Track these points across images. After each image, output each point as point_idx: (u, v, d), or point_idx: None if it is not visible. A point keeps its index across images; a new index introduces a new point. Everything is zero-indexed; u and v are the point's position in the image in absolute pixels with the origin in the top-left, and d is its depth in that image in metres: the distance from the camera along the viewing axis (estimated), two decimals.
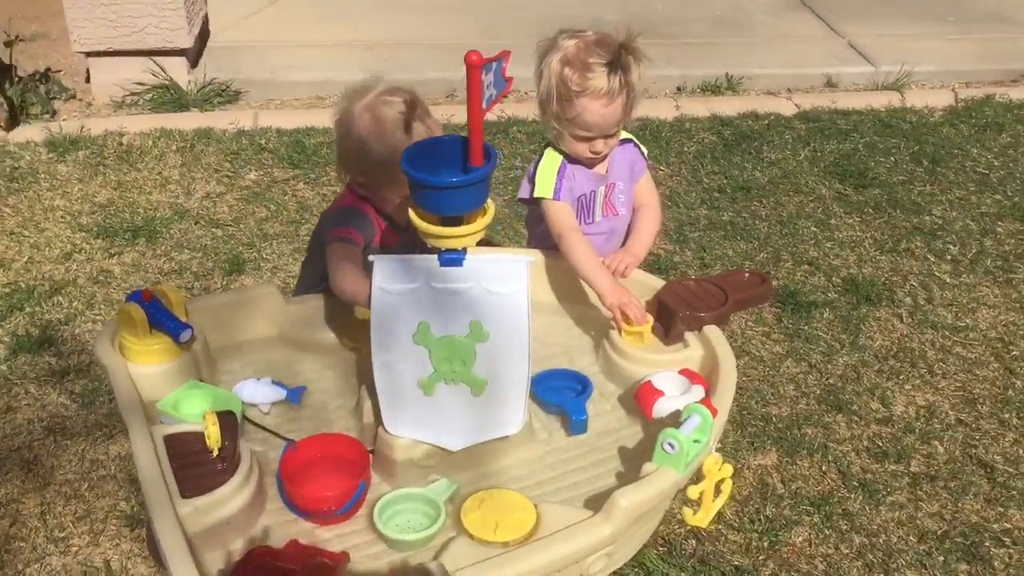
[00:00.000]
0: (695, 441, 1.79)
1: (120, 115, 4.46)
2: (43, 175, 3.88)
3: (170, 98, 4.55)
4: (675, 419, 1.87)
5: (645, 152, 2.45)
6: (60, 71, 4.76)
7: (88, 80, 4.64)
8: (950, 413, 2.80)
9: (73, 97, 4.62)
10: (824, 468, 2.59)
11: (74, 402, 2.71)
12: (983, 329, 3.16)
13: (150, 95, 4.57)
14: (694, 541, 2.37)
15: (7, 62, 4.49)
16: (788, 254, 3.53)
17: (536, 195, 2.25)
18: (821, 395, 2.84)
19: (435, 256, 1.77)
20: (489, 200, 1.76)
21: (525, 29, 5.12)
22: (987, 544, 2.38)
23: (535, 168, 2.28)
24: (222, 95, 4.60)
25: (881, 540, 2.39)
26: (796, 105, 4.72)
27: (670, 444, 1.75)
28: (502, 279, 1.77)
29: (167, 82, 4.56)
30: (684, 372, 2.02)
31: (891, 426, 2.74)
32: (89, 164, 3.98)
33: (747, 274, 2.27)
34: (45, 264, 3.34)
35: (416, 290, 1.77)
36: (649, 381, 2.01)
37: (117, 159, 4.02)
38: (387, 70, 4.78)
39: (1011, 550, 2.37)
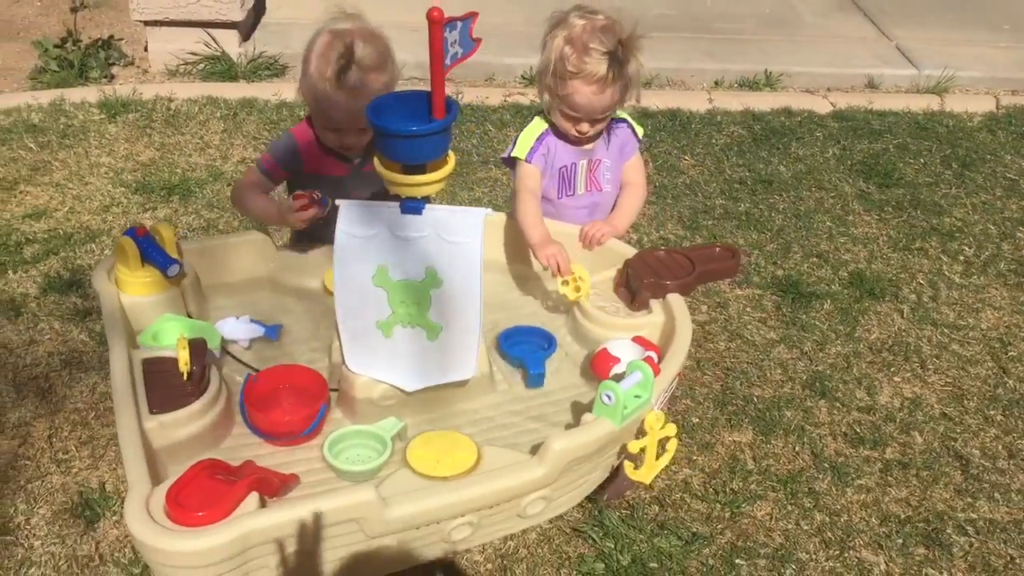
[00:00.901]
0: (636, 396, 1.87)
1: (172, 82, 4.67)
2: (93, 134, 4.10)
3: (220, 69, 4.74)
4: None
5: (640, 133, 2.53)
6: (122, 39, 4.99)
7: (146, 49, 4.87)
8: (935, 406, 2.81)
9: (131, 64, 4.85)
10: (798, 449, 2.63)
11: (92, 339, 2.88)
12: (984, 329, 3.15)
13: (202, 65, 4.77)
14: (657, 507, 2.43)
15: (71, 28, 4.74)
16: (799, 246, 3.56)
17: (512, 154, 2.36)
18: (807, 381, 2.88)
19: (397, 204, 1.88)
20: (450, 152, 1.86)
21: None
22: (949, 531, 2.40)
23: (520, 132, 2.39)
24: (270, 68, 4.78)
25: (843, 520, 2.43)
26: (832, 104, 4.71)
27: (608, 396, 1.84)
28: (458, 230, 1.87)
29: (218, 53, 4.76)
30: (637, 339, 2.10)
31: (872, 414, 2.77)
32: (137, 126, 4.19)
33: (718, 248, 2.33)
34: (84, 215, 3.54)
35: (377, 235, 1.88)
36: (605, 349, 2.09)
37: (163, 123, 4.22)
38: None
39: (973, 539, 2.39)
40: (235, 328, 2.13)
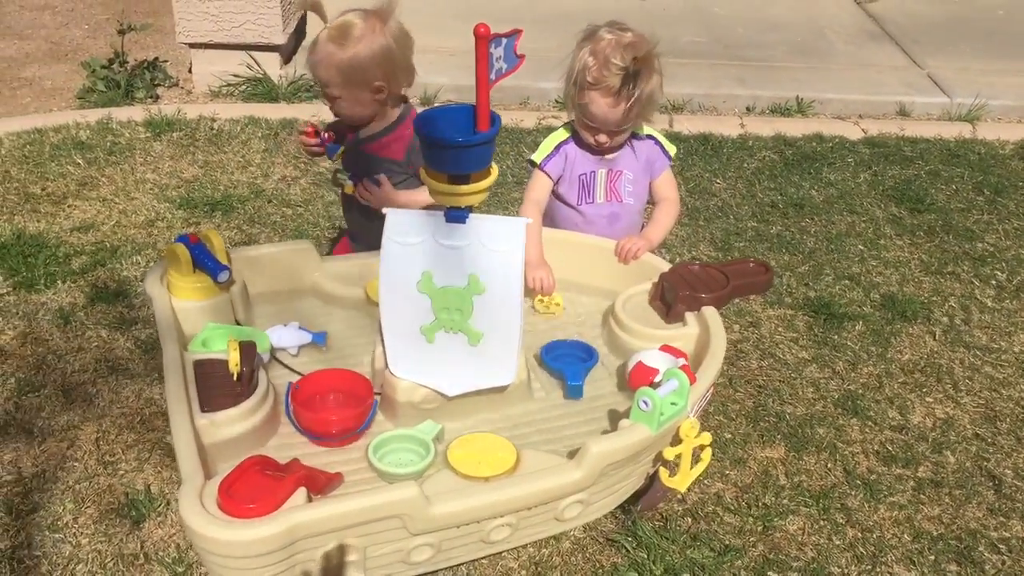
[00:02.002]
0: (672, 403, 1.91)
1: (215, 103, 4.80)
2: (139, 151, 4.22)
3: (262, 90, 4.86)
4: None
5: (671, 152, 2.59)
6: (167, 61, 5.12)
7: (191, 70, 5.00)
8: (968, 427, 2.83)
9: (176, 85, 4.99)
10: (830, 466, 2.66)
11: (138, 348, 2.97)
12: (1017, 352, 3.16)
13: (244, 86, 4.89)
14: (690, 519, 2.46)
15: (118, 49, 4.88)
16: (830, 268, 3.59)
17: (531, 157, 2.48)
18: (839, 399, 2.90)
19: (442, 213, 1.95)
20: (493, 164, 1.93)
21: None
22: (981, 549, 2.41)
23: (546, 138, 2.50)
24: (310, 90, 4.89)
25: (875, 536, 2.44)
26: (863, 131, 4.75)
27: (645, 402, 1.88)
28: (500, 237, 1.93)
29: (260, 75, 4.88)
30: (665, 348, 2.14)
31: (905, 434, 2.79)
32: (181, 144, 4.30)
33: (751, 263, 2.38)
34: (130, 228, 3.64)
35: (423, 243, 1.94)
36: (640, 362, 2.11)
37: (207, 141, 4.33)
38: (465, 76, 4.99)
39: (1005, 557, 2.39)
40: (284, 335, 2.19)
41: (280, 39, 4.83)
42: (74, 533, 2.34)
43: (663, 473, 2.01)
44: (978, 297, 3.46)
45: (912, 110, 5.01)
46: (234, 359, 1.94)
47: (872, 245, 3.78)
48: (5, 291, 3.21)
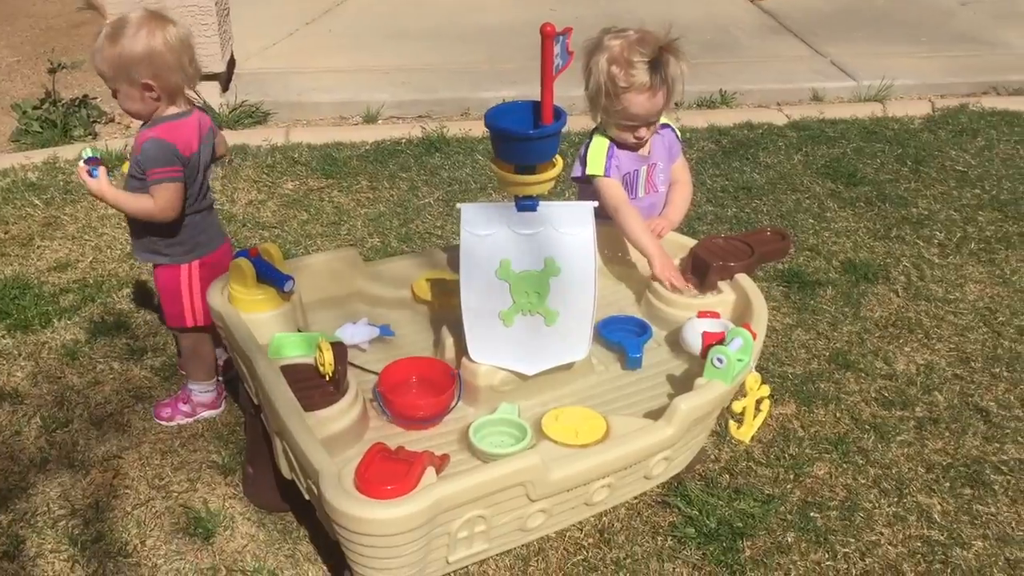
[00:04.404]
0: (739, 359, 2.09)
1: None
2: None
3: None
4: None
5: (680, 136, 2.78)
6: (97, 97, 5.04)
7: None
8: (947, 369, 3.11)
9: (112, 120, 4.92)
10: (838, 415, 2.89)
11: (156, 375, 2.96)
12: (971, 300, 3.48)
13: None
14: (728, 476, 2.64)
15: (49, 88, 4.79)
16: (790, 242, 3.85)
17: (588, 173, 2.55)
18: (830, 357, 3.15)
19: (512, 204, 2.07)
20: (558, 156, 2.07)
21: (528, 53, 5.51)
22: (988, 472, 2.68)
23: (585, 150, 2.58)
24: (252, 116, 4.91)
25: (893, 471, 2.68)
26: (787, 116, 5.08)
27: (719, 359, 2.05)
28: (571, 221, 2.07)
29: (200, 104, 4.85)
30: (701, 314, 2.31)
31: (895, 380, 3.05)
32: None
33: (768, 231, 2.59)
34: (109, 263, 3.60)
35: (498, 232, 2.07)
36: (705, 331, 2.25)
37: None
38: (405, 91, 5.14)
39: (1009, 477, 2.66)
40: (355, 332, 2.27)
41: (220, 67, 4.83)
42: (147, 556, 2.35)
43: (732, 426, 2.18)
44: (925, 256, 3.78)
45: (824, 95, 5.38)
46: (327, 360, 2.01)
47: (820, 218, 4.08)
48: (1, 334, 3.14)
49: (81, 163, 2.49)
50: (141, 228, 2.60)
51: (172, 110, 2.53)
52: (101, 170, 2.48)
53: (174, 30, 2.47)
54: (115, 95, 2.52)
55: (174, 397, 2.80)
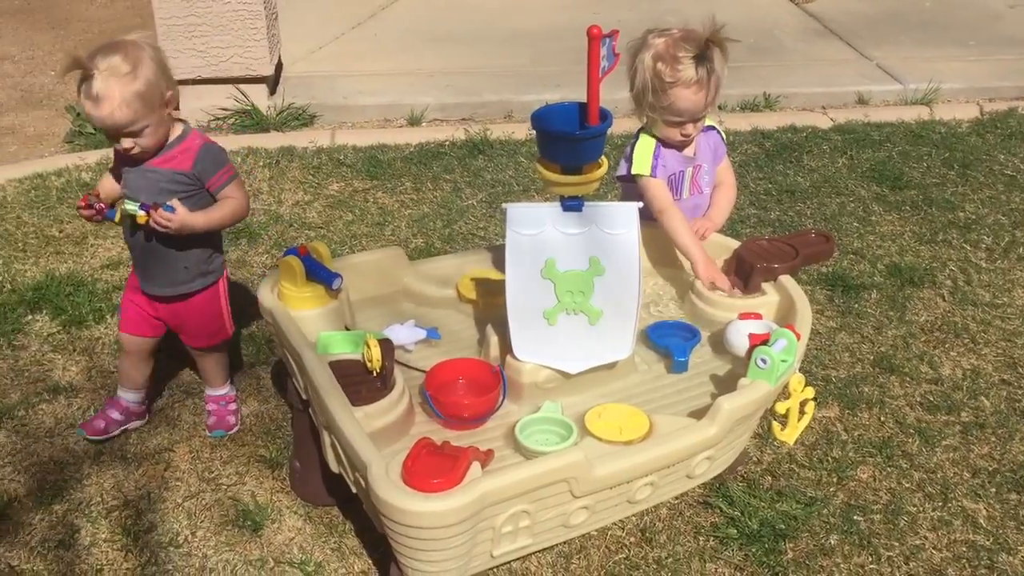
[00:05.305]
0: (782, 360, 2.09)
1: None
2: None
3: (251, 122, 4.93)
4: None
5: (725, 139, 2.79)
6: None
7: (177, 107, 5.03)
8: (993, 374, 3.08)
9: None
10: (882, 419, 2.87)
11: None
12: (1019, 305, 3.45)
13: (233, 119, 4.96)
14: (770, 477, 2.65)
15: None
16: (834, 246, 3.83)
17: (634, 172, 2.57)
18: (874, 360, 3.13)
19: (558, 204, 2.10)
20: (603, 157, 2.09)
21: (571, 56, 5.54)
22: None
23: (631, 150, 2.60)
24: (299, 118, 4.98)
25: (938, 476, 2.66)
26: (831, 119, 5.06)
27: (763, 360, 2.06)
28: (616, 222, 2.09)
29: (249, 107, 4.95)
30: (744, 315, 2.31)
31: (940, 385, 3.02)
32: None
33: (813, 233, 2.58)
34: None
35: (543, 232, 2.09)
36: (751, 333, 2.26)
37: None
38: (449, 94, 5.19)
39: None
40: (402, 333, 2.31)
41: (268, 70, 4.91)
42: (198, 546, 2.41)
43: (776, 427, 2.19)
44: (972, 260, 3.74)
45: (870, 98, 5.34)
46: (375, 356, 2.05)
47: (865, 222, 4.05)
48: (55, 329, 3.23)
49: (138, 210, 2.40)
50: (187, 255, 2.56)
51: (179, 124, 2.54)
52: (176, 203, 2.42)
53: (133, 39, 2.41)
54: (136, 139, 2.38)
55: (209, 414, 2.81)
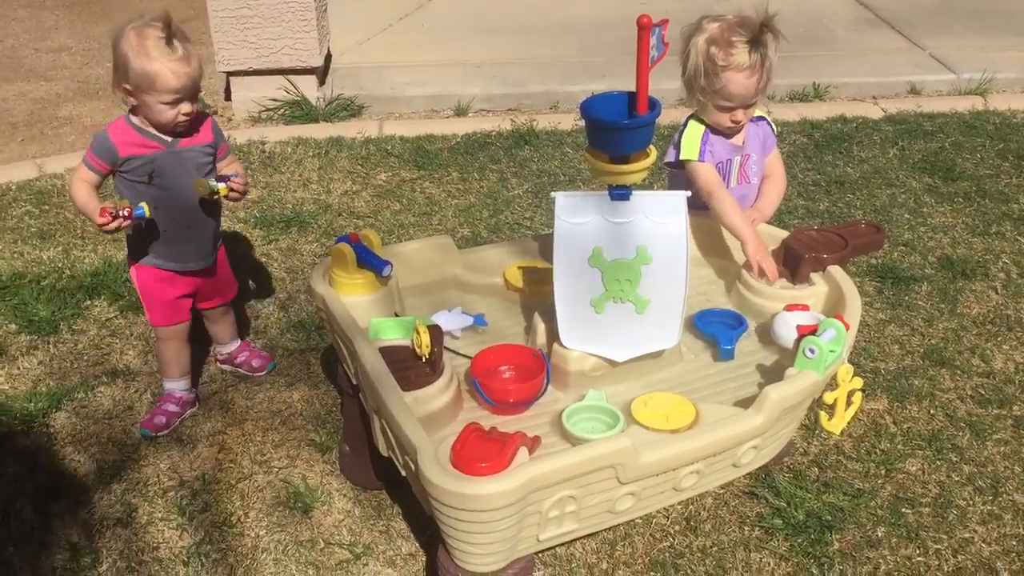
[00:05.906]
0: (831, 351, 2.09)
1: (258, 128, 4.92)
2: None
3: (301, 112, 5.00)
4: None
5: (775, 130, 2.77)
6: (201, 90, 5.23)
7: (228, 98, 5.13)
8: None
9: (215, 113, 5.10)
10: (932, 412, 2.85)
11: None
12: None
13: (283, 110, 5.02)
14: (817, 469, 2.64)
15: None
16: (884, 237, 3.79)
17: (682, 157, 2.58)
18: (925, 353, 3.10)
19: (607, 193, 2.11)
20: (652, 146, 2.09)
21: (618, 47, 5.53)
22: None
23: (680, 136, 2.61)
24: (347, 109, 5.03)
25: (989, 469, 2.63)
26: (883, 110, 4.99)
27: (811, 349, 2.05)
28: (663, 210, 2.10)
29: (298, 98, 5.01)
30: (791, 307, 2.30)
31: (992, 379, 2.99)
32: None
33: (863, 224, 2.56)
34: None
35: (591, 221, 2.11)
36: (799, 324, 2.25)
37: (261, 164, 4.46)
38: (495, 85, 5.21)
39: None
40: (449, 319, 2.34)
41: (317, 61, 4.97)
42: (250, 526, 2.46)
43: (823, 417, 2.18)
44: None
45: (923, 88, 5.26)
46: (424, 341, 2.08)
47: (916, 213, 4.00)
48: (113, 315, 3.31)
49: (219, 184, 2.59)
50: (217, 219, 2.81)
51: None
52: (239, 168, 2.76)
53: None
54: (189, 111, 2.55)
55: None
